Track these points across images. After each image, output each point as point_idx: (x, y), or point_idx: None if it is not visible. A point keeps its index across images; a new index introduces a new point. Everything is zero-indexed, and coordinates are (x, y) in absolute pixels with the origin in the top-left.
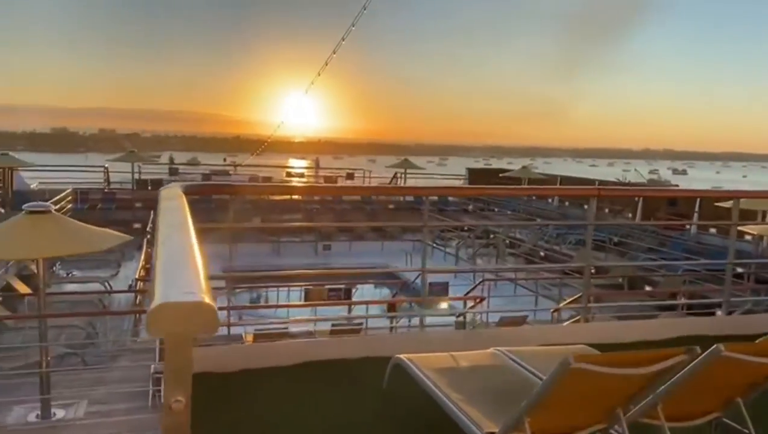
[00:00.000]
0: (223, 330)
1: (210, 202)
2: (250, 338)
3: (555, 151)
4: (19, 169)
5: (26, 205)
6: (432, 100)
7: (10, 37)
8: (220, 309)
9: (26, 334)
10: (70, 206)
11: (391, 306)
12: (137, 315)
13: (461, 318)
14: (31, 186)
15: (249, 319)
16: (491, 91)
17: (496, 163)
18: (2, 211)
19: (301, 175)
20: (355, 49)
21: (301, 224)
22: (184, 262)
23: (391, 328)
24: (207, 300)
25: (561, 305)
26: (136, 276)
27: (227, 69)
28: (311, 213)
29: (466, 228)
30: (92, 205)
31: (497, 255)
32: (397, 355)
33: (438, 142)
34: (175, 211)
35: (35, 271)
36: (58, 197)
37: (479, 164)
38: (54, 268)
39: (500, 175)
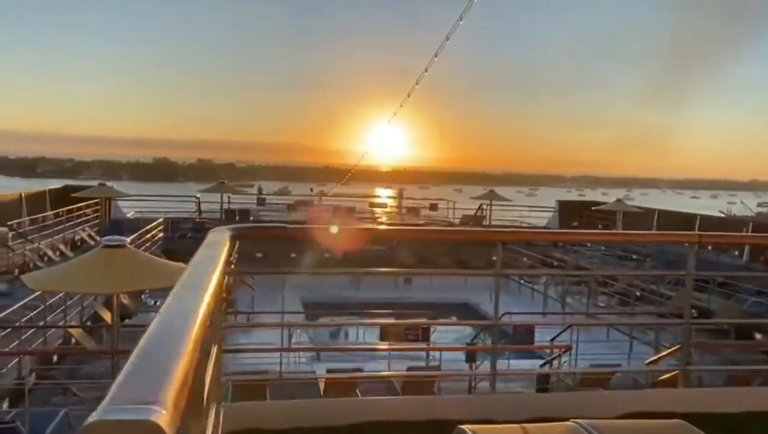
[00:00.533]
0: (295, 367)
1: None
2: (323, 376)
3: (653, 181)
4: (117, 198)
5: (104, 238)
6: (522, 128)
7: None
8: (292, 350)
9: (107, 365)
10: (161, 235)
11: (470, 353)
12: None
13: (546, 367)
14: (128, 215)
15: (324, 356)
16: (585, 118)
17: (589, 194)
18: (99, 239)
19: (384, 206)
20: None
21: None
22: (171, 348)
23: (471, 367)
24: (163, 421)
25: (657, 356)
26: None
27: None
28: (393, 245)
29: (555, 264)
30: (182, 234)
31: (588, 295)
32: (460, 427)
33: (528, 172)
34: (206, 263)
35: (123, 301)
36: (150, 226)
37: (572, 195)
38: (143, 297)
39: (593, 208)
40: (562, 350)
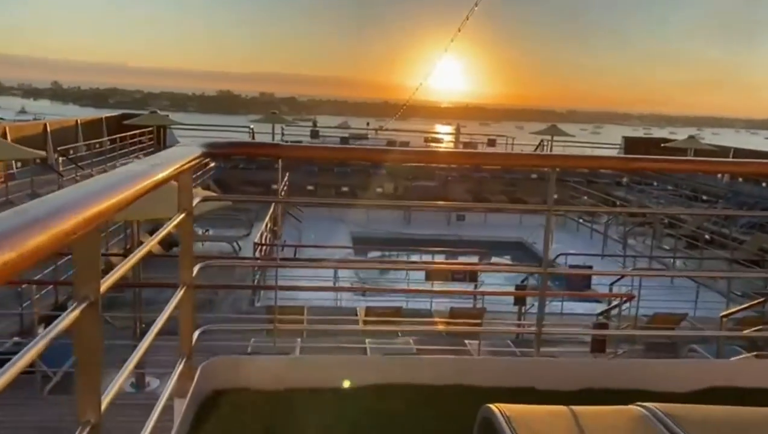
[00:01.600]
0: (334, 303)
1: (345, 165)
2: (362, 313)
3: (726, 120)
4: (171, 126)
5: None
6: (588, 65)
7: (182, 4)
8: (338, 289)
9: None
10: (213, 164)
11: (519, 297)
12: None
13: (602, 318)
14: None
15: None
16: (655, 55)
17: (657, 133)
18: None
19: (440, 141)
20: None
21: (381, 203)
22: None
23: (520, 317)
24: None
25: (735, 310)
26: (256, 240)
27: (379, 34)
28: (446, 180)
29: (617, 203)
30: (235, 165)
31: (653, 237)
32: (489, 407)
33: (593, 109)
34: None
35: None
36: None
37: (638, 133)
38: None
39: (662, 145)
40: (623, 298)
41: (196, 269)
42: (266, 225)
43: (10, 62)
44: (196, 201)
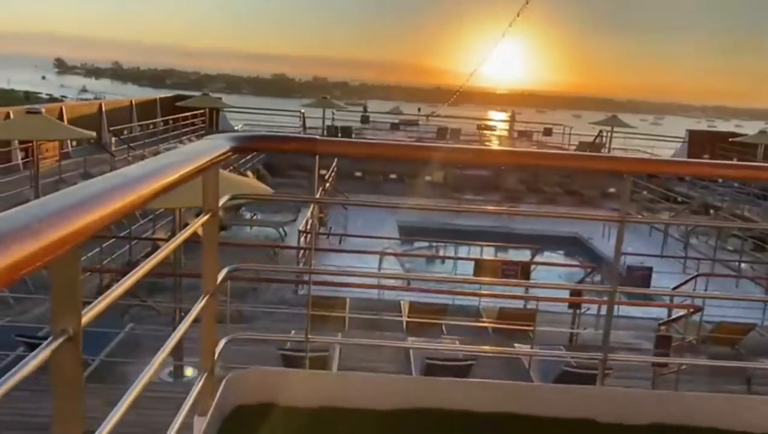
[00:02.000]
0: (381, 293)
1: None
2: (406, 307)
3: None
4: (225, 109)
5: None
6: (649, 53)
7: None
8: (378, 275)
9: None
10: None
11: (575, 293)
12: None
13: (663, 328)
14: (236, 127)
15: (413, 287)
16: (718, 43)
17: (721, 125)
18: None
19: (493, 129)
20: None
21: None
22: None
23: (574, 320)
24: None
25: None
26: (301, 228)
27: (431, 17)
28: (498, 169)
29: (679, 199)
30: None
31: (717, 237)
32: None
33: (654, 99)
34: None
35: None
36: None
37: (701, 125)
38: (237, 211)
39: (730, 140)
40: (691, 311)
41: (221, 275)
42: (311, 213)
43: (74, 43)
44: (223, 200)
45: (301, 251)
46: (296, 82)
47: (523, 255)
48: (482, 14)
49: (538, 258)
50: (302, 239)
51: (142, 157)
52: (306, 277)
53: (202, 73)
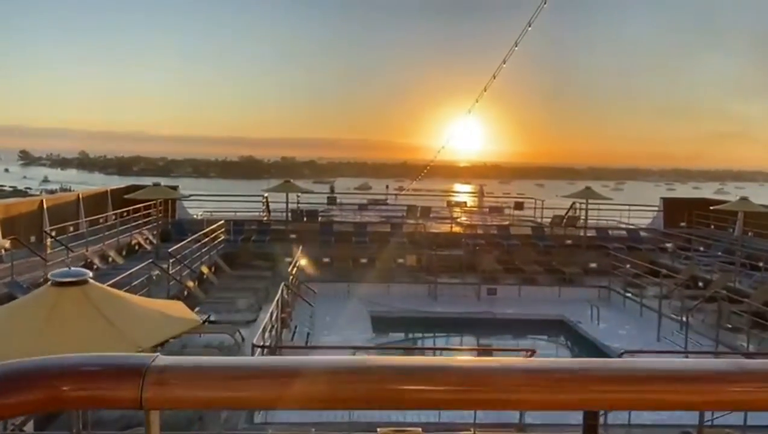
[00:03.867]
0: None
1: (364, 235)
2: None
3: (748, 174)
4: (178, 198)
5: (53, 273)
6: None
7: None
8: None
9: None
10: (223, 237)
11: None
12: None
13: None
14: (195, 215)
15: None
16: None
17: (680, 188)
18: (155, 243)
19: (463, 205)
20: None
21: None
22: None
23: None
24: None
25: None
26: (261, 327)
27: (395, 97)
28: (473, 249)
29: (663, 272)
30: (246, 237)
31: (719, 317)
32: None
33: (613, 165)
34: None
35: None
36: (211, 228)
37: (660, 189)
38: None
39: (711, 208)
40: None
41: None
42: (270, 313)
43: (39, 134)
44: None
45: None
46: (264, 163)
47: (510, 344)
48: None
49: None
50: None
51: (84, 258)
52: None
53: (169, 158)
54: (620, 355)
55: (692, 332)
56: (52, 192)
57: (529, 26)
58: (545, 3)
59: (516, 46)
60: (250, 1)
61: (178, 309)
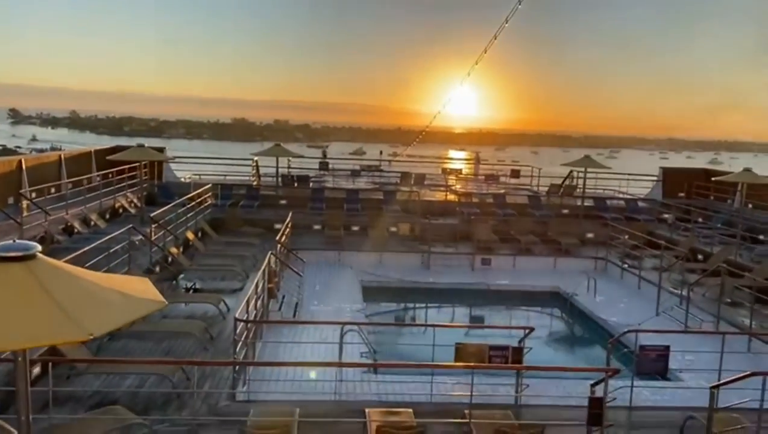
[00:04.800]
0: (335, 392)
1: (356, 202)
2: (372, 422)
3: (742, 144)
4: (163, 160)
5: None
6: (602, 89)
7: (196, 34)
8: (338, 364)
9: (105, 380)
10: (210, 202)
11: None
12: (234, 367)
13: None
14: (182, 178)
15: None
16: (668, 79)
17: (673, 157)
18: (141, 206)
19: (458, 172)
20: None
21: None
22: None
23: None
24: None
25: None
26: (246, 299)
27: (392, 61)
28: (468, 218)
29: (662, 244)
30: (235, 202)
31: (721, 292)
32: None
33: (608, 134)
34: None
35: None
36: (197, 192)
37: (654, 157)
38: (175, 281)
39: (713, 179)
40: None
41: None
42: (256, 284)
43: (29, 92)
44: None
45: (245, 332)
46: (257, 125)
47: (503, 316)
48: (442, 59)
49: (529, 340)
50: (246, 316)
51: (64, 222)
52: (245, 376)
53: (161, 119)
54: (623, 334)
55: (692, 307)
56: (41, 151)
57: (519, 4)
58: None
59: (520, 3)
60: None
61: (142, 287)
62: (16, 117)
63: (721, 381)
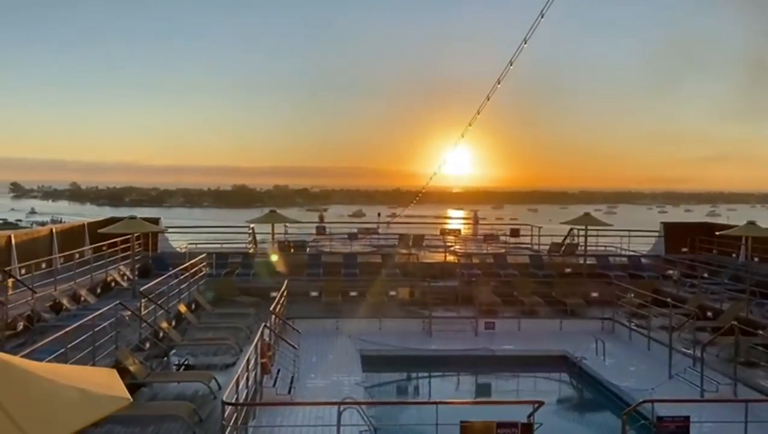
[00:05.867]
0: None
1: (354, 266)
2: None
3: (739, 196)
4: (157, 232)
5: None
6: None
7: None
8: None
9: None
10: (205, 271)
11: None
12: None
13: None
14: (178, 248)
15: None
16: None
17: (672, 211)
18: (133, 279)
19: (457, 233)
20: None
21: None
22: None
23: None
24: None
25: None
26: (235, 378)
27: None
28: (469, 279)
29: (669, 301)
30: (231, 270)
31: (735, 352)
32: None
33: (605, 189)
34: None
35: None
36: (192, 262)
37: (652, 212)
38: (166, 357)
39: (717, 233)
40: None
41: None
42: (248, 360)
43: (31, 165)
44: None
45: (235, 413)
46: (257, 191)
47: (510, 383)
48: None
49: (539, 415)
50: (236, 398)
51: (52, 299)
52: None
53: (161, 188)
54: (638, 404)
55: (706, 368)
56: (42, 223)
57: (525, 43)
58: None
59: (511, 64)
60: (239, 32)
61: (106, 382)
62: (18, 191)
63: None
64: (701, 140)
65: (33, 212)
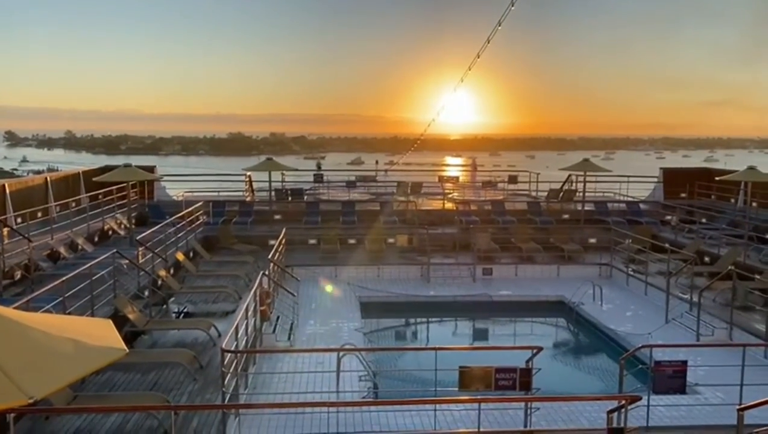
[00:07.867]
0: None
1: (353, 214)
2: None
3: (737, 141)
4: (149, 180)
5: None
6: (595, 91)
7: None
8: (331, 404)
9: (87, 419)
10: (202, 220)
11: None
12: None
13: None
14: (174, 196)
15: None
16: (663, 78)
17: (669, 156)
18: (131, 227)
19: (455, 180)
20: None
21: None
22: None
23: None
24: None
25: None
26: (234, 326)
27: (386, 72)
28: (467, 226)
29: (667, 246)
30: (228, 219)
31: (732, 297)
32: None
33: (603, 135)
34: None
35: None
36: (189, 210)
37: (650, 157)
38: (165, 305)
39: (717, 178)
40: None
41: None
42: (246, 307)
43: (26, 114)
44: None
45: (234, 362)
46: (253, 139)
47: (507, 328)
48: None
49: (537, 360)
50: (236, 345)
51: (48, 247)
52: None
53: (157, 136)
54: (635, 350)
55: (703, 313)
56: (38, 172)
57: (512, 5)
58: None
59: (512, 5)
60: None
61: (102, 333)
62: (12, 139)
63: (751, 403)
64: (702, 86)
65: (25, 160)
